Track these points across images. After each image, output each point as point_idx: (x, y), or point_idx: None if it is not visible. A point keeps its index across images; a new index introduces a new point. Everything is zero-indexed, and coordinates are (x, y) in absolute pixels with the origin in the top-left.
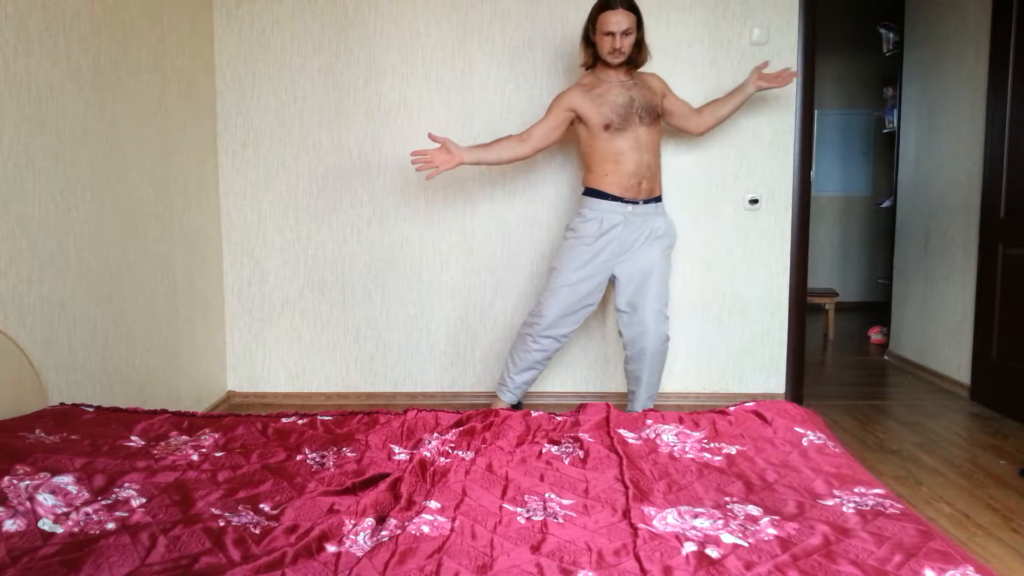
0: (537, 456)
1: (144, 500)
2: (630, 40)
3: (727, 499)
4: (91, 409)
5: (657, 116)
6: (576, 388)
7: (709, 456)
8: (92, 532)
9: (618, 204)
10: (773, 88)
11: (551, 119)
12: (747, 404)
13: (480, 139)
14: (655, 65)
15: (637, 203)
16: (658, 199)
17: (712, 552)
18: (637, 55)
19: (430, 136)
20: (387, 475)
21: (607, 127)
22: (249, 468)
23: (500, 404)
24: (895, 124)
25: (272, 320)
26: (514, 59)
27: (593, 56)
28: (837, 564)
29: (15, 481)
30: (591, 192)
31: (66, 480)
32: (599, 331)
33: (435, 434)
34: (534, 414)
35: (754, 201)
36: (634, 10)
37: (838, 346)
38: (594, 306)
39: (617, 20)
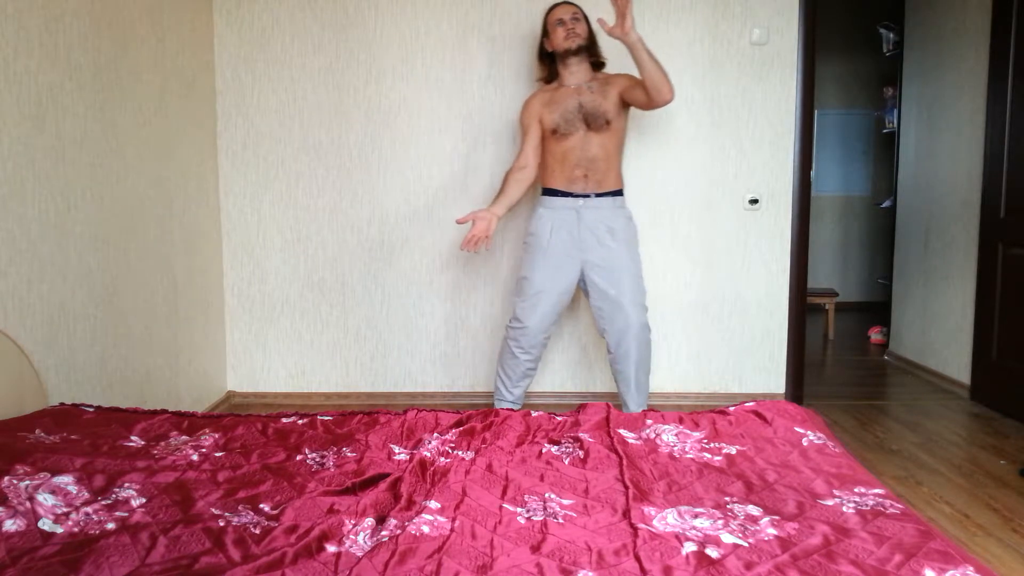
0: (537, 456)
1: (144, 500)
2: (582, 26)
3: (727, 499)
4: (91, 409)
5: (606, 122)
6: (576, 388)
7: (709, 456)
8: (92, 532)
9: (568, 199)
10: (631, 18)
11: (533, 135)
12: (747, 404)
13: (479, 137)
14: None
15: (588, 196)
16: (615, 193)
17: (712, 552)
18: (595, 44)
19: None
20: (387, 475)
21: (554, 131)
22: (249, 468)
23: None
24: (895, 124)
25: (272, 320)
26: (514, 59)
27: (549, 70)
28: (837, 564)
29: (15, 481)
30: (543, 191)
31: (66, 480)
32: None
33: (435, 434)
34: (534, 414)
35: (754, 201)
36: (578, 6)
37: (838, 346)
38: (567, 302)
39: (563, 9)
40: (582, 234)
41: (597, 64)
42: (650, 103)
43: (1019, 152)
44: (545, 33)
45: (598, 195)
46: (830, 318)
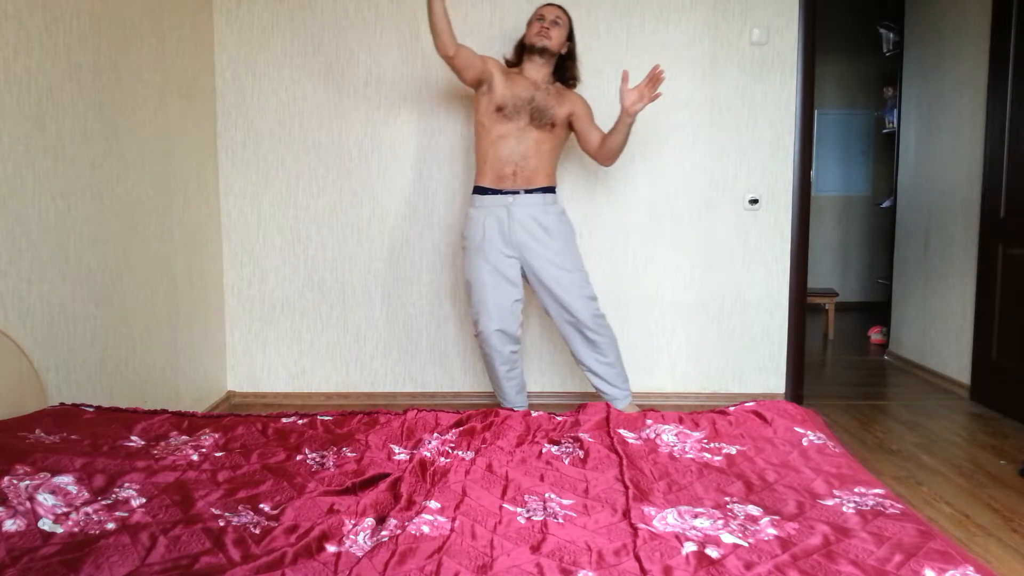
0: (537, 456)
1: (144, 500)
2: (558, 32)
3: (727, 499)
4: (91, 409)
5: (550, 125)
6: (576, 388)
7: (709, 456)
8: (92, 532)
9: (498, 197)
10: (646, 104)
11: (476, 57)
12: (747, 404)
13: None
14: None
15: (518, 193)
16: (545, 190)
17: (712, 552)
18: (566, 62)
19: None
20: (387, 475)
21: (499, 109)
22: (249, 468)
23: None
24: (895, 124)
25: (272, 320)
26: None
27: (517, 59)
28: (837, 564)
29: (15, 481)
30: (474, 190)
31: (66, 480)
32: None
33: (435, 434)
34: (534, 414)
35: (754, 201)
36: (568, 16)
37: (838, 346)
38: (521, 299)
39: (550, 9)
40: (514, 230)
41: (563, 80)
42: (591, 153)
43: (1019, 152)
44: (529, 23)
45: (527, 191)
46: (830, 318)
